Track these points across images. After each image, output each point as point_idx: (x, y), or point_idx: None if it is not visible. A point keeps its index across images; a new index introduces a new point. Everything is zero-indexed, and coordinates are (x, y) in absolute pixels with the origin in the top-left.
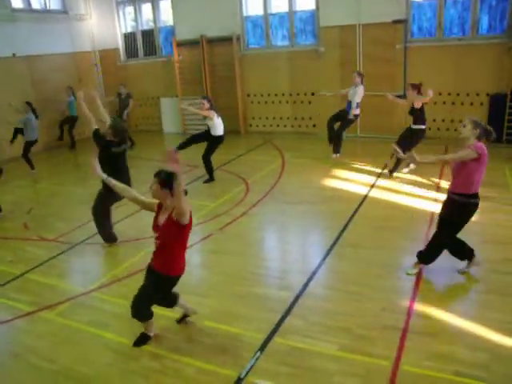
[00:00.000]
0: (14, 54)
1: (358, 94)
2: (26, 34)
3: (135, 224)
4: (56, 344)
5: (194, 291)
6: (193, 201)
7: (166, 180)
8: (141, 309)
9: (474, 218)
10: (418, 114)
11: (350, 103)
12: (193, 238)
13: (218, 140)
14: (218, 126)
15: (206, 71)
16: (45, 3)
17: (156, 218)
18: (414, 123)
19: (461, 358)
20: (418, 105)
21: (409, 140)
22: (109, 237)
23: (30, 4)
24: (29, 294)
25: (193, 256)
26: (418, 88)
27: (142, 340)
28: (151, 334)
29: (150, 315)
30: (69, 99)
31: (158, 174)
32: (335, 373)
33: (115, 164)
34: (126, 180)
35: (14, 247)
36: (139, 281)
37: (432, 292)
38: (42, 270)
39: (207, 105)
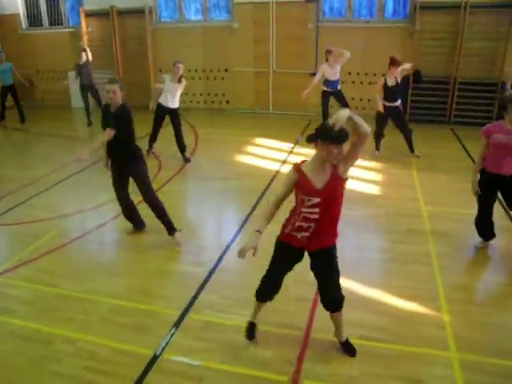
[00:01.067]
0: None
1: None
2: None
3: (42, 204)
4: None
5: (106, 270)
6: (103, 180)
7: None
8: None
9: (379, 192)
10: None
11: (333, 82)
12: (105, 216)
13: None
14: None
15: (116, 44)
16: None
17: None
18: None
19: (365, 322)
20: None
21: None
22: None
23: None
24: None
25: (105, 235)
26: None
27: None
28: None
29: None
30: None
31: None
32: (250, 344)
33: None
34: None
35: None
36: (49, 263)
37: (341, 264)
38: None
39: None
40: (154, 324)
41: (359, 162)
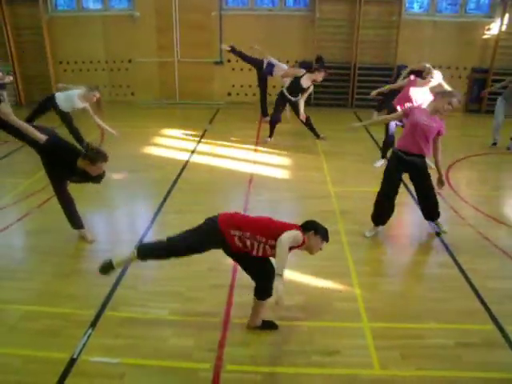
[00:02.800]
0: None
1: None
2: None
3: None
4: None
5: (13, 276)
6: (5, 179)
7: None
8: None
9: (289, 177)
10: None
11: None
12: (9, 218)
13: None
14: None
15: (8, 35)
16: None
17: None
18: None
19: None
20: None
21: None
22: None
23: None
24: None
25: (10, 238)
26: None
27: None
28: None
29: None
30: None
31: None
32: (169, 336)
33: None
34: None
35: None
36: None
37: None
38: None
39: None
40: (69, 326)
41: (266, 148)
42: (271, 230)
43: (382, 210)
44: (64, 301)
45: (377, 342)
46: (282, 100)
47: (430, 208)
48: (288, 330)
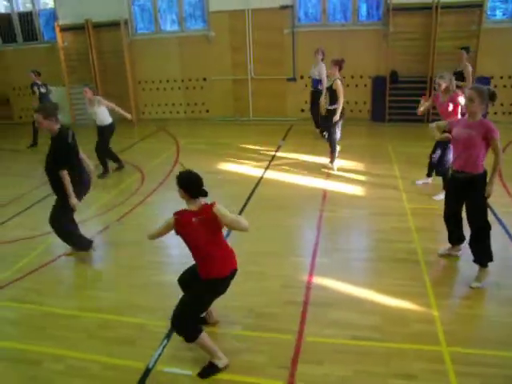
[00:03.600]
0: None
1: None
2: None
3: (25, 222)
4: None
5: (92, 286)
6: (87, 195)
7: None
8: None
9: (361, 193)
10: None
11: (315, 81)
12: (90, 230)
13: (109, 129)
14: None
15: (93, 58)
16: None
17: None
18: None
19: (357, 322)
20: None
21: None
22: (85, 242)
23: None
24: None
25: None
26: (341, 65)
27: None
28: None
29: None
30: None
31: None
32: (242, 351)
33: (75, 158)
34: (85, 173)
35: None
36: (36, 281)
37: (328, 265)
38: None
39: (90, 92)
40: (145, 337)
41: (339, 164)
42: None
43: (449, 229)
44: (140, 311)
45: (456, 367)
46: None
47: (474, 238)
48: (362, 350)
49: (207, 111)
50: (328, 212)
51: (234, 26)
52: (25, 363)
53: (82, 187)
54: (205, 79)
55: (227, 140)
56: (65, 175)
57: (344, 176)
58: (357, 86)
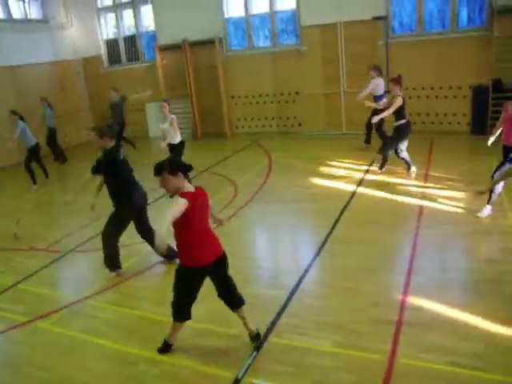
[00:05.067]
0: None
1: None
2: (8, 43)
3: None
4: (51, 353)
5: None
6: None
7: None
8: None
9: (460, 210)
10: (399, 110)
11: (375, 97)
12: None
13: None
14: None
15: (189, 75)
16: (25, 13)
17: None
18: (396, 120)
19: (456, 348)
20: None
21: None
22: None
23: (10, 14)
24: (22, 305)
25: None
26: (399, 81)
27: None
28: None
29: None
30: (45, 111)
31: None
32: (331, 369)
33: (125, 173)
34: (139, 187)
35: (4, 258)
36: (132, 287)
37: (423, 285)
38: (34, 280)
39: (167, 108)
40: (235, 347)
41: (436, 178)
42: None
43: None
44: (232, 322)
45: None
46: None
47: None
48: (461, 378)
49: (299, 125)
50: (425, 228)
51: (325, 40)
52: (122, 363)
53: (129, 204)
54: (297, 93)
55: (319, 154)
56: (90, 178)
57: (441, 191)
58: (455, 97)
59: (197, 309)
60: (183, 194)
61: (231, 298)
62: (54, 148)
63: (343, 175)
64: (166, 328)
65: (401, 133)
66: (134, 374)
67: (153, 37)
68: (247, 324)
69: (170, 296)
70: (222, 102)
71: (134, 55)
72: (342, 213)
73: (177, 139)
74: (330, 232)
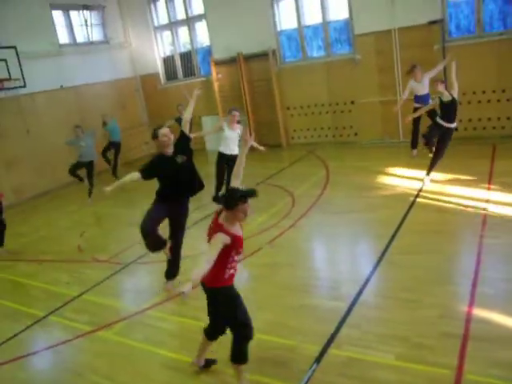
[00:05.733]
0: (61, 86)
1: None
2: (72, 66)
3: (185, 241)
4: (114, 362)
5: (247, 304)
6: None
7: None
8: None
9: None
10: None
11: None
12: (244, 251)
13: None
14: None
15: (244, 88)
16: (88, 36)
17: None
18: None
19: None
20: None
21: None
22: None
23: (75, 39)
24: (86, 314)
25: (243, 270)
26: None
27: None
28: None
29: None
30: (109, 126)
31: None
32: (394, 383)
33: (173, 179)
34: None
35: (69, 269)
36: (192, 298)
37: (490, 296)
38: (98, 291)
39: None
40: (294, 359)
41: (497, 185)
42: None
43: None
44: (290, 333)
45: None
46: None
47: None
48: None
49: (355, 134)
50: (490, 238)
51: (380, 47)
52: (183, 373)
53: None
54: (352, 102)
55: (377, 163)
56: (134, 174)
57: (506, 198)
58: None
59: (255, 319)
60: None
61: None
62: (116, 162)
63: (401, 184)
64: (226, 338)
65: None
66: None
67: (208, 52)
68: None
69: None
70: (277, 114)
71: (189, 71)
72: (401, 222)
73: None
74: (390, 242)
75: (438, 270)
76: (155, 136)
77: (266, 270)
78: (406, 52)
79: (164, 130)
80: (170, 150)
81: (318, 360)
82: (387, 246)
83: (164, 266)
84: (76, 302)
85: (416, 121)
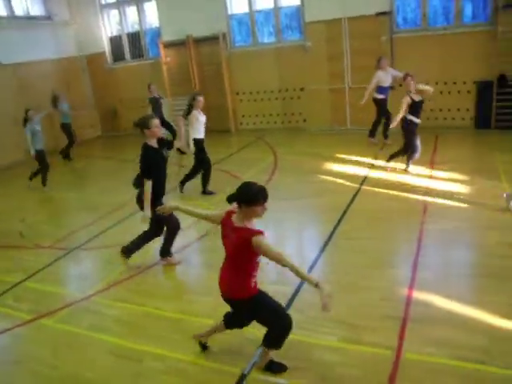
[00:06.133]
0: None
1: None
2: (11, 41)
3: (129, 227)
4: (58, 350)
5: (192, 290)
6: (187, 201)
7: None
8: None
9: (465, 205)
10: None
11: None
12: (189, 237)
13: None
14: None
15: (193, 71)
16: (27, 9)
17: None
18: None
19: (461, 342)
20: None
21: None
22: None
23: (12, 11)
24: (28, 302)
25: (190, 255)
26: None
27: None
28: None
29: None
30: (61, 107)
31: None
32: (338, 364)
33: (163, 172)
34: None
35: (10, 256)
36: (139, 283)
37: (429, 279)
38: (40, 278)
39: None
40: (241, 343)
41: (438, 174)
42: None
43: None
44: None
45: None
46: None
47: None
48: (466, 372)
49: (304, 121)
50: (429, 224)
51: (330, 35)
52: (128, 359)
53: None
54: (302, 89)
55: (325, 150)
56: (148, 186)
57: (446, 187)
58: (459, 92)
59: (201, 303)
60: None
61: None
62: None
63: (348, 171)
64: (173, 324)
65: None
66: (141, 370)
67: (157, 33)
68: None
69: (177, 293)
70: (226, 99)
71: (138, 52)
72: (347, 208)
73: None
74: (336, 227)
75: (381, 254)
76: (147, 126)
77: (211, 256)
78: (355, 41)
79: (156, 121)
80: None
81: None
82: (332, 232)
83: (109, 252)
84: (17, 290)
85: (383, 113)
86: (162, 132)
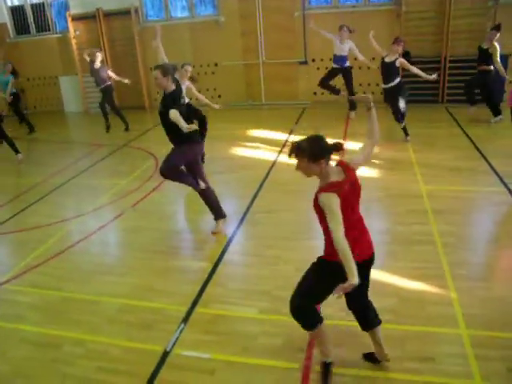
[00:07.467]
0: None
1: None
2: None
3: (42, 209)
4: None
5: (111, 271)
6: (103, 180)
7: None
8: None
9: (375, 175)
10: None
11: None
12: (106, 216)
13: None
14: None
15: (105, 46)
16: None
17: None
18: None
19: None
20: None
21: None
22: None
23: None
24: None
25: (107, 235)
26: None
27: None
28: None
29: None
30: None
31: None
32: (258, 335)
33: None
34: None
35: None
36: (54, 267)
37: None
38: None
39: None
40: (162, 320)
41: (355, 146)
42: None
43: None
44: (158, 296)
45: (477, 351)
46: None
47: None
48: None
49: (219, 96)
50: None
51: (244, 11)
52: (46, 346)
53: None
54: (216, 64)
55: (240, 125)
56: (174, 113)
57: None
58: (369, 68)
59: (118, 284)
60: (330, 188)
61: (367, 310)
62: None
63: (264, 146)
64: (92, 307)
65: None
66: (59, 357)
67: (64, 5)
68: (382, 349)
69: (94, 274)
70: (139, 75)
71: (43, 25)
72: (262, 183)
73: None
74: (252, 202)
75: (296, 226)
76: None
77: (129, 235)
78: (268, 17)
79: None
80: None
81: (185, 320)
82: (249, 206)
83: (21, 236)
84: None
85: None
86: None
